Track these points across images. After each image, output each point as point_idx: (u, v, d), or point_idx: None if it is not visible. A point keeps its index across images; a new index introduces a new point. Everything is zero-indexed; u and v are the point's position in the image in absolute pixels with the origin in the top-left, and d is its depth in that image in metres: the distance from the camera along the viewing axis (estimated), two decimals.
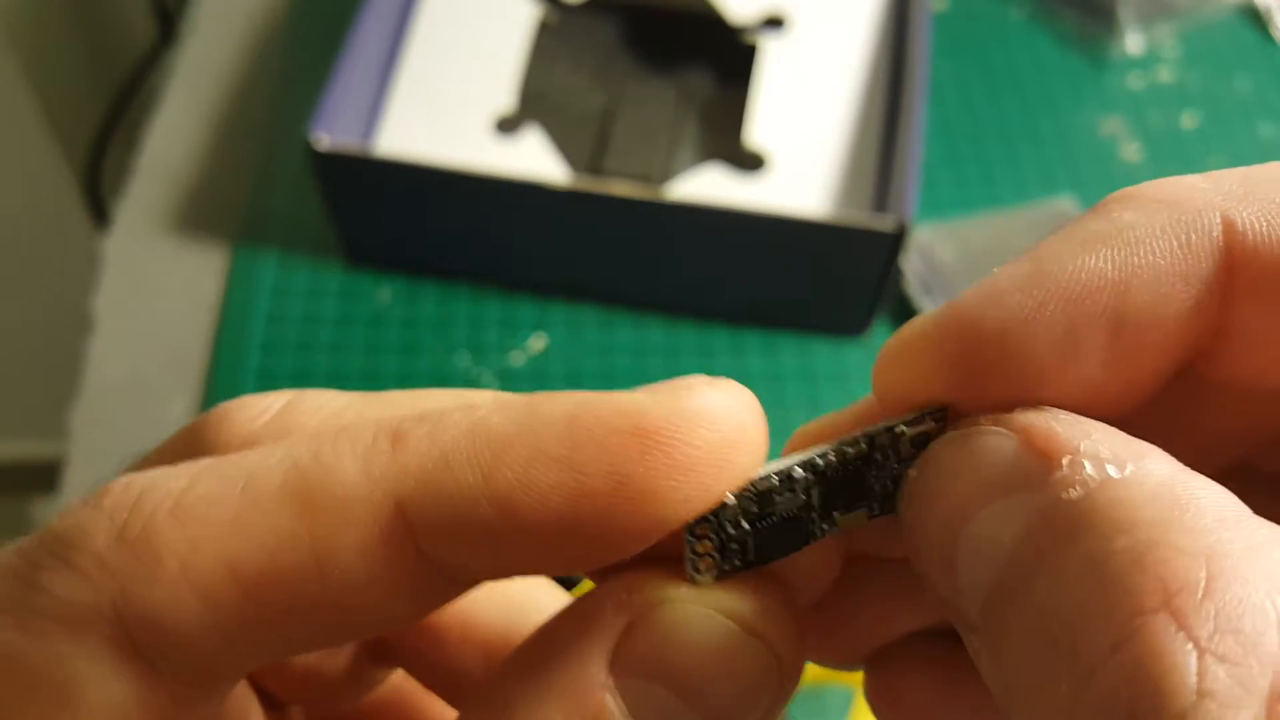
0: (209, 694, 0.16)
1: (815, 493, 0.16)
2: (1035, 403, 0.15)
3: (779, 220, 0.53)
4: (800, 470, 0.16)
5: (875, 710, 0.19)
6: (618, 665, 0.15)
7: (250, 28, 0.72)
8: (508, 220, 0.56)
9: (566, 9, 0.66)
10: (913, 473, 0.16)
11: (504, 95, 0.61)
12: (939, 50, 0.71)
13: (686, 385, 0.15)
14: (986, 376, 0.15)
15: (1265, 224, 0.14)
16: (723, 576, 0.16)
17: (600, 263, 0.58)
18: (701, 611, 0.15)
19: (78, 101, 0.89)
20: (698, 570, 0.16)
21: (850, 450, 0.16)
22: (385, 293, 0.60)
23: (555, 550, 0.15)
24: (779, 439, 0.17)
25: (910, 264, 0.60)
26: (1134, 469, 0.13)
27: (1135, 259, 0.15)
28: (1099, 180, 0.66)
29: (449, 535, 0.15)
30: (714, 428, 0.15)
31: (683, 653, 0.15)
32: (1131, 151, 0.68)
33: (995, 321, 0.15)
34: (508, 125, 0.60)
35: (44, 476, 0.65)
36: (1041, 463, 0.14)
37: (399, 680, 0.25)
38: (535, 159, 0.59)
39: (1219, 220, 0.15)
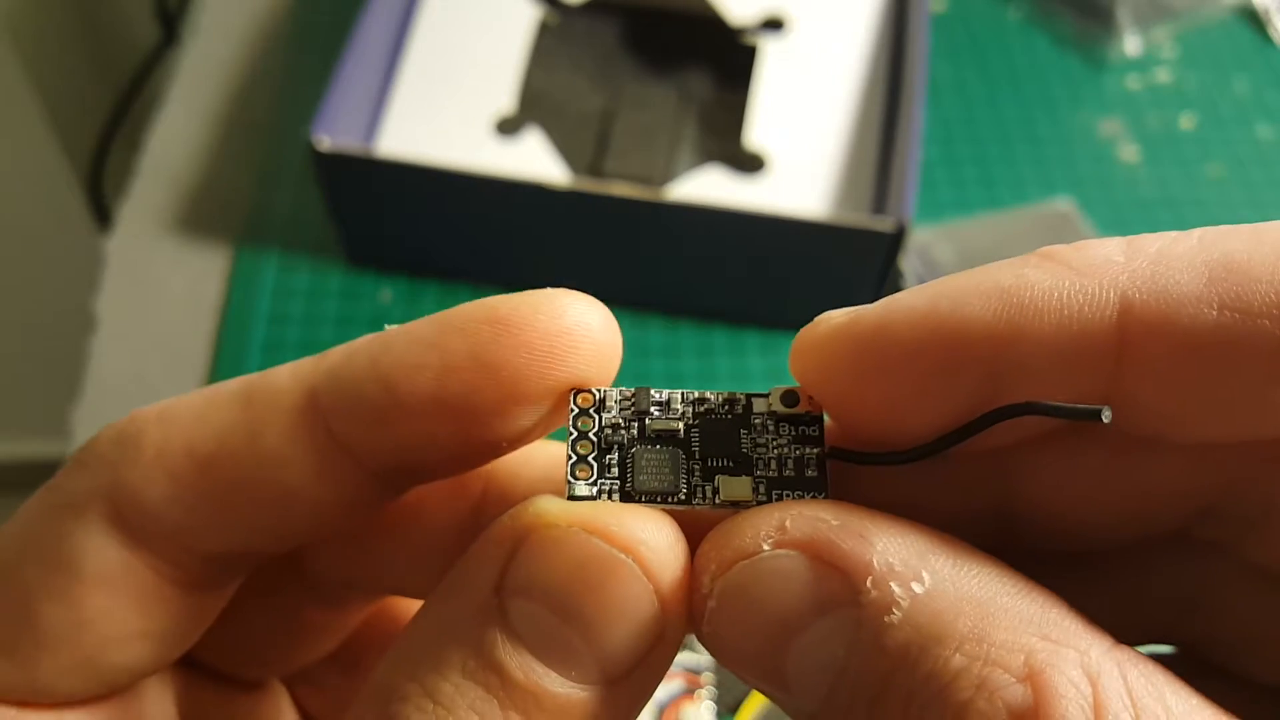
0: (184, 574, 0.19)
1: (693, 424, 0.18)
2: (911, 423, 0.17)
3: (779, 221, 0.53)
4: (680, 393, 0.18)
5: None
6: (504, 588, 0.16)
7: (252, 29, 0.73)
8: (508, 221, 0.57)
9: (567, 10, 0.66)
10: (712, 603, 0.16)
11: (504, 97, 0.61)
12: (937, 52, 0.72)
13: (544, 290, 0.18)
14: (869, 390, 0.17)
15: (1161, 309, 0.15)
16: (599, 496, 0.18)
17: (600, 263, 0.58)
18: (573, 531, 0.16)
19: (80, 103, 0.89)
20: (575, 477, 0.18)
21: (725, 397, 0.18)
22: (386, 293, 0.60)
23: (434, 424, 0.18)
24: None
25: (909, 264, 0.60)
26: (930, 579, 0.15)
27: (1023, 320, 0.16)
28: (1097, 181, 0.67)
29: (347, 412, 0.18)
30: (556, 318, 0.18)
31: (556, 571, 0.16)
32: (1130, 153, 0.68)
33: (881, 347, 0.17)
34: (508, 127, 0.60)
35: (47, 476, 0.65)
36: (844, 581, 0.15)
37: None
38: (535, 161, 0.59)
39: (1116, 300, 0.15)
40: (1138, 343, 0.15)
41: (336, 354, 0.19)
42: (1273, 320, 0.15)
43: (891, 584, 0.15)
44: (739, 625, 0.16)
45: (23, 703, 0.19)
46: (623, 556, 0.16)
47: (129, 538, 0.19)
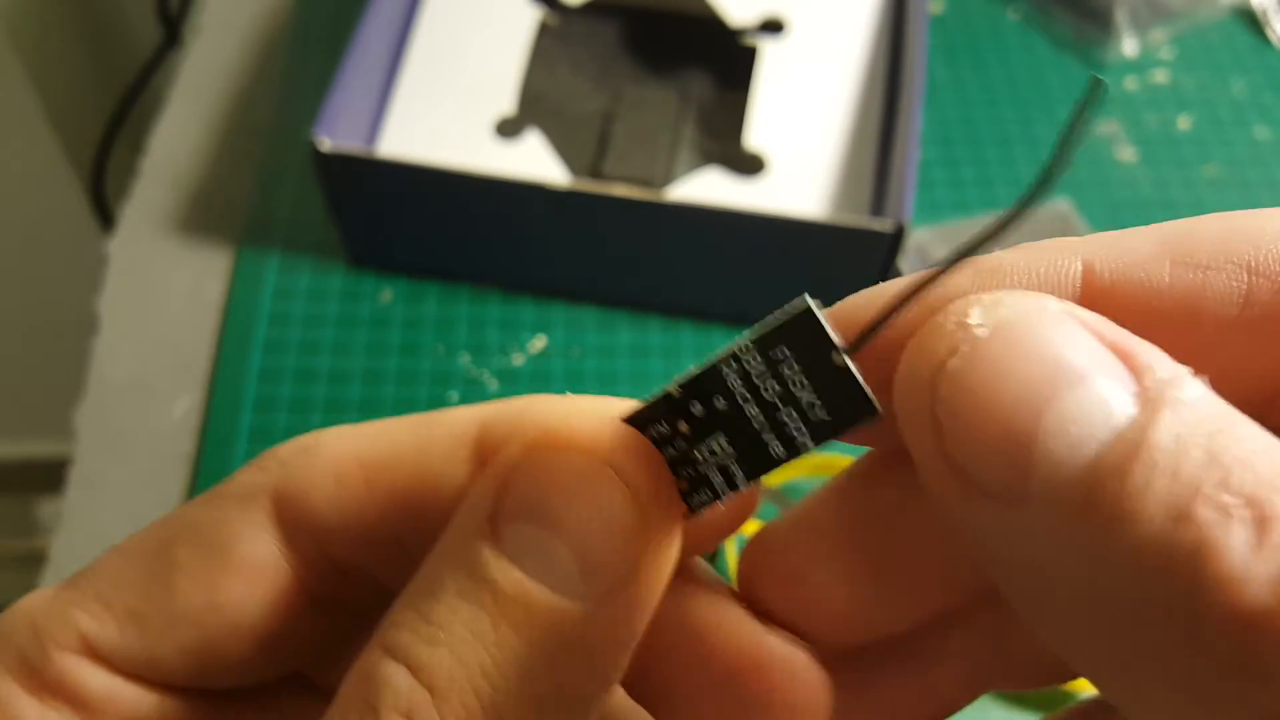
0: (321, 585, 0.20)
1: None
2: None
3: (777, 222, 0.54)
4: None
5: None
6: (497, 516, 0.17)
7: (254, 31, 0.73)
8: (509, 222, 0.57)
9: (567, 11, 0.66)
10: (983, 330, 0.15)
11: (504, 98, 0.62)
12: (936, 53, 0.72)
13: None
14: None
15: (1120, 265, 0.17)
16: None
17: (600, 264, 0.59)
18: (553, 449, 0.17)
19: (82, 104, 0.89)
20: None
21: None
22: (387, 294, 0.61)
23: None
24: None
25: (908, 265, 0.60)
26: (1200, 386, 0.15)
27: (993, 281, 0.17)
28: (1095, 183, 0.67)
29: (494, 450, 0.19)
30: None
31: (542, 489, 0.17)
32: (1128, 154, 0.69)
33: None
34: (508, 129, 0.60)
35: (49, 475, 0.65)
36: (1130, 361, 0.15)
37: None
38: (535, 162, 0.59)
39: (1079, 262, 0.17)
40: (1102, 298, 0.16)
41: (513, 401, 0.20)
42: (1221, 270, 0.16)
43: (1187, 378, 0.14)
44: (1010, 356, 0.15)
45: (136, 676, 0.19)
46: (600, 466, 0.17)
47: (284, 533, 0.20)
